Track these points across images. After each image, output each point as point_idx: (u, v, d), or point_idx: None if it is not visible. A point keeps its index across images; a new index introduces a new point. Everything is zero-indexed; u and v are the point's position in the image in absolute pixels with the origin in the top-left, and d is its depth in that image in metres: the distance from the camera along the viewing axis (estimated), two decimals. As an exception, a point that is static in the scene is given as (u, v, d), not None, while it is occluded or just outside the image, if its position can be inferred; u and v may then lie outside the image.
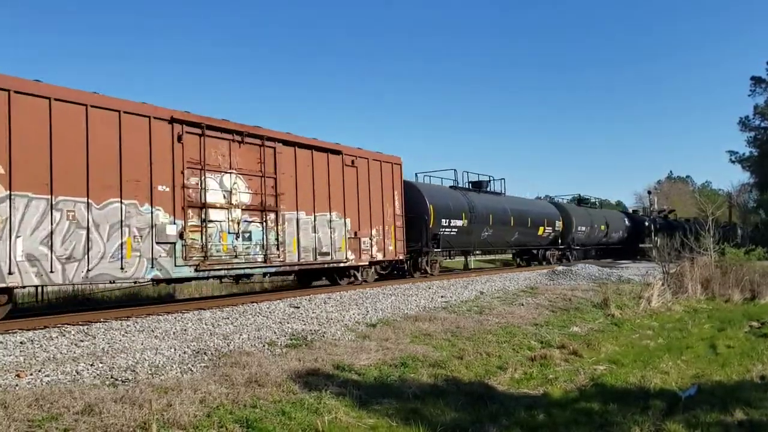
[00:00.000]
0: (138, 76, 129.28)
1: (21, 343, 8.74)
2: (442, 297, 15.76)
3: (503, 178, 29.11)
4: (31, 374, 7.12)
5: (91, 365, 7.59)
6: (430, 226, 20.96)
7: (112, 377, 7.23)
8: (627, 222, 41.50)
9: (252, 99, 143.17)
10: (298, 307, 12.86)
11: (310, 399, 6.99)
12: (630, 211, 53.82)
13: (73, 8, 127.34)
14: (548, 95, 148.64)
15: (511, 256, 34.32)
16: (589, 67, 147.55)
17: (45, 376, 7.09)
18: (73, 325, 10.38)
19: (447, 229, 22.06)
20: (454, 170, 26.17)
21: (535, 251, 30.95)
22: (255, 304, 13.28)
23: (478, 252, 30.37)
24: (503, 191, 28.70)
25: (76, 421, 5.69)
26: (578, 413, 7.59)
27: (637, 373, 9.75)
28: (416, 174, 26.00)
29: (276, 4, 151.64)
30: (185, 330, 10.12)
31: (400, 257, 19.46)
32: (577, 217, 33.48)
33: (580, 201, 38.35)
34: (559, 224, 31.53)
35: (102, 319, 10.97)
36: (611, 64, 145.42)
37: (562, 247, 32.37)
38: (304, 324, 11.19)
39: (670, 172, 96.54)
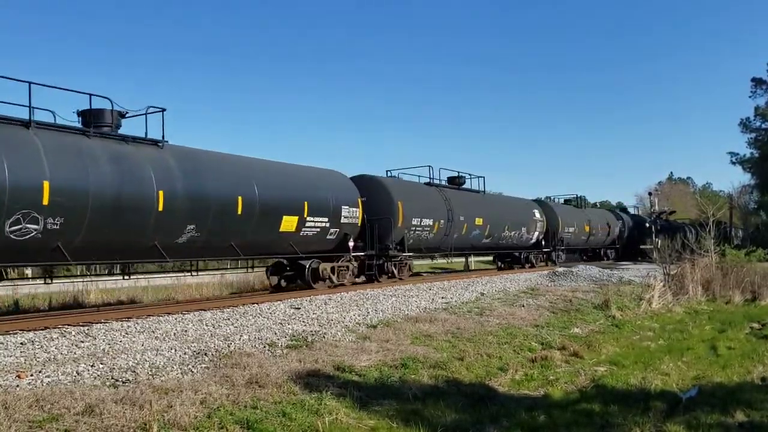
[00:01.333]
0: (136, 78, 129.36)
1: (21, 343, 8.74)
2: (442, 298, 15.77)
3: (163, 109, 13.21)
4: (32, 375, 7.13)
5: (92, 366, 7.59)
6: None
7: (112, 378, 7.23)
8: (510, 214, 26.77)
9: (250, 99, 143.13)
10: (299, 308, 12.86)
11: (311, 400, 7.00)
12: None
13: (73, 9, 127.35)
14: (548, 96, 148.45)
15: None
16: (590, 67, 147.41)
17: (45, 376, 7.09)
18: (74, 325, 10.39)
19: None
20: None
21: (295, 260, 16.34)
22: (256, 305, 13.29)
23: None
24: (161, 141, 13.13)
25: (76, 422, 5.70)
26: (579, 414, 7.60)
27: (638, 375, 9.75)
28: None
29: (273, 5, 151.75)
30: (186, 331, 10.13)
31: None
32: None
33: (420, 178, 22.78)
34: (322, 220, 16.50)
35: (103, 320, 10.98)
36: (611, 64, 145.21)
37: (345, 254, 17.48)
38: (305, 325, 11.19)
39: (671, 173, 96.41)
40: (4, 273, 12.65)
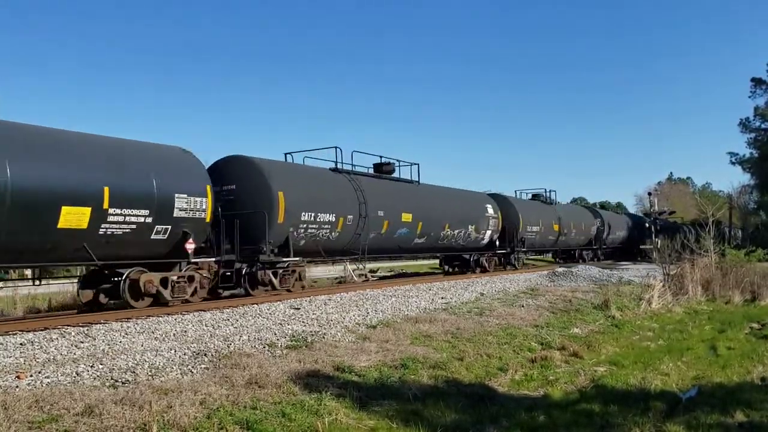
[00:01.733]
0: (136, 78, 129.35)
1: (21, 344, 8.74)
2: (442, 298, 15.77)
3: None
4: (31, 375, 7.12)
5: (92, 366, 7.59)
6: None
7: (112, 378, 7.23)
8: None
9: (251, 99, 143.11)
10: (299, 309, 12.86)
11: (311, 400, 7.00)
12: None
13: (73, 9, 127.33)
14: (548, 96, 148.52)
15: None
16: (590, 67, 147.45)
17: (45, 377, 7.09)
18: (74, 326, 10.38)
19: None
20: None
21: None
22: (255, 305, 13.28)
23: None
24: None
25: (76, 423, 5.70)
26: (578, 414, 7.59)
27: (638, 375, 9.75)
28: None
29: (273, 5, 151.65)
30: (185, 331, 10.12)
31: None
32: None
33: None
34: None
35: (102, 321, 10.97)
36: (611, 64, 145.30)
37: None
38: (305, 325, 11.19)
39: (671, 173, 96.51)
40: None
